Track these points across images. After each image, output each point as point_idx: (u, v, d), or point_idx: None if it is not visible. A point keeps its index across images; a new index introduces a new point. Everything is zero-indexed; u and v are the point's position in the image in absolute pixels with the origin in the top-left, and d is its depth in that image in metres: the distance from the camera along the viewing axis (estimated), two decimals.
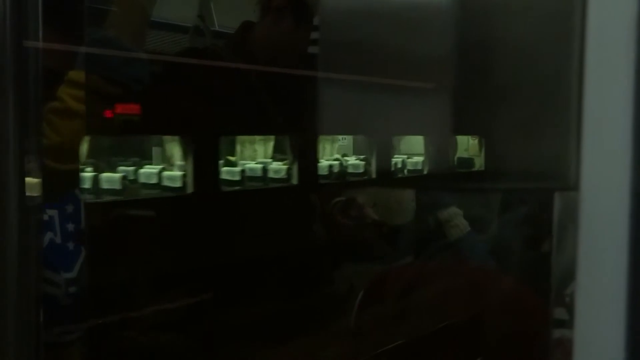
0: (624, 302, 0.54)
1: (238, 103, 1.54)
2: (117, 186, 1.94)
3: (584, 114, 0.51)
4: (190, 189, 1.47)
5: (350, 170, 2.18)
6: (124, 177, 2.01)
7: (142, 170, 2.12)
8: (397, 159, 2.17)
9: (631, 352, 0.53)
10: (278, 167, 1.99)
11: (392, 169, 2.01)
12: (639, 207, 0.52)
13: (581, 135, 0.51)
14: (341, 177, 2.16)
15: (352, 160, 2.24)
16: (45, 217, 1.20)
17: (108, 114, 1.26)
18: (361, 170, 2.12)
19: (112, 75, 1.23)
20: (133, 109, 1.28)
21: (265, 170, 2.08)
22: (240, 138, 2.22)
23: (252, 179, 2.09)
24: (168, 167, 2.05)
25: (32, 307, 0.79)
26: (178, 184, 1.83)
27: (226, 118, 1.51)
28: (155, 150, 2.22)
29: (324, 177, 2.07)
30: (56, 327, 1.17)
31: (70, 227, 1.25)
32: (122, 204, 1.62)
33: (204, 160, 1.44)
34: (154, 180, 2.05)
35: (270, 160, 2.17)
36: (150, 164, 2.17)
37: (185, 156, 1.49)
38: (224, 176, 1.91)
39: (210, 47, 1.72)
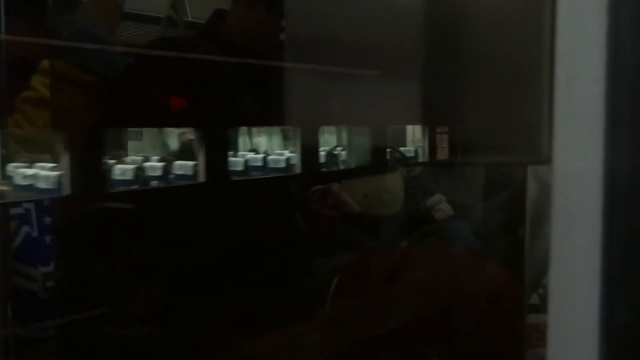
0: (597, 278, 0.54)
1: None
2: None
3: (555, 87, 0.51)
4: None
5: None
6: None
7: None
8: None
9: (606, 332, 0.54)
10: None
11: None
12: (612, 183, 0.53)
13: (553, 109, 0.51)
14: None
15: None
16: (21, 211, 1.18)
17: None
18: None
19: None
20: None
21: None
22: None
23: None
24: None
25: None
26: None
27: None
28: None
29: None
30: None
31: (47, 220, 1.22)
32: None
33: None
34: None
35: None
36: None
37: None
38: None
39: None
